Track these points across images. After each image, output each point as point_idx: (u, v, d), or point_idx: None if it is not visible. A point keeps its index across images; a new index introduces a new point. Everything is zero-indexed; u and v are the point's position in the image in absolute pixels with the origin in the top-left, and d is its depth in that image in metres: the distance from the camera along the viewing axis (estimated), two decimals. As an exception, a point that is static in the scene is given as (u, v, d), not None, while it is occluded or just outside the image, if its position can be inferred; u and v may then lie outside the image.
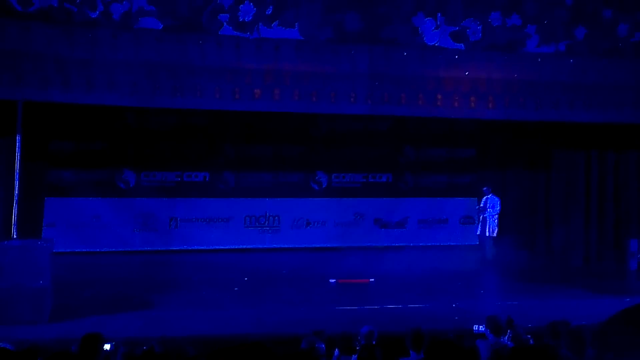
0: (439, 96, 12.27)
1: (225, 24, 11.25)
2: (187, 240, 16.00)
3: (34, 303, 9.14)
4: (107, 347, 5.84)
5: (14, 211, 11.33)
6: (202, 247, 15.91)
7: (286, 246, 16.41)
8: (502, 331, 6.95)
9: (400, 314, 10.14)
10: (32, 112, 12.20)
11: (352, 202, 17.02)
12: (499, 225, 15.04)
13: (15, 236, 11.26)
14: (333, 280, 12.60)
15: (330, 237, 16.68)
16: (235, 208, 16.44)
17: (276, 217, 16.74)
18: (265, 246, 16.42)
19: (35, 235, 12.83)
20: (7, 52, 10.44)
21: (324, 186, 17.11)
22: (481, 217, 15.29)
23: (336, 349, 6.75)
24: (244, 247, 16.21)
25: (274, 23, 11.40)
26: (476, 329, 7.16)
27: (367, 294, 11.99)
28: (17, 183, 11.38)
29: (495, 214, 15.01)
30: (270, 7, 11.33)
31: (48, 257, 9.47)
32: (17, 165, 11.37)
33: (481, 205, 15.27)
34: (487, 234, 15.01)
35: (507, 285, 12.91)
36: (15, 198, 11.35)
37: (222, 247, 16.01)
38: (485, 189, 15.29)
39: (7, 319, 8.94)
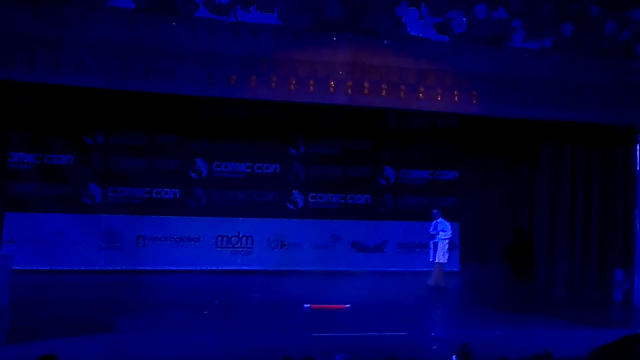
0: (422, 89, 12.21)
1: (201, 5, 11.19)
2: (154, 260, 15.91)
3: (-11, 323, 9.01)
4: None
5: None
6: (171, 268, 15.82)
7: (259, 268, 16.36)
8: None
9: (377, 342, 10.10)
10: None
11: (329, 224, 17.02)
12: (450, 251, 14.96)
13: (-29, 252, 11.11)
14: (307, 306, 12.54)
15: (305, 260, 16.64)
16: (206, 227, 16.39)
17: (249, 238, 16.68)
18: (236, 268, 16.37)
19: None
20: None
21: (300, 206, 17.09)
22: (431, 243, 14.97)
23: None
24: (215, 268, 16.15)
25: (252, 7, 11.36)
26: (455, 359, 7.14)
27: (343, 320, 11.94)
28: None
29: (447, 239, 14.82)
30: (249, -11, 11.37)
31: (6, 275, 9.33)
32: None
33: (430, 230, 14.96)
34: (437, 260, 14.76)
35: (490, 314, 12.89)
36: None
37: (192, 268, 15.94)
38: (435, 211, 15.14)
39: (-40, 340, 8.82)
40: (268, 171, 16.88)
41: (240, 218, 16.58)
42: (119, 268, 15.60)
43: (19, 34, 10.51)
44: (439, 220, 14.90)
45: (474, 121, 16.45)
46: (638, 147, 13.91)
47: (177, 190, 16.38)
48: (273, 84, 11.65)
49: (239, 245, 16.59)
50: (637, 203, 13.74)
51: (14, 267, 9.74)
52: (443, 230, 14.79)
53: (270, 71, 11.60)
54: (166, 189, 16.29)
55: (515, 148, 16.42)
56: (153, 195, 16.25)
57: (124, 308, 11.76)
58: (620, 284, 14.21)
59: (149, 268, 15.67)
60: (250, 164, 16.71)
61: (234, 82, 11.46)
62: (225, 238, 16.51)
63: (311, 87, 11.81)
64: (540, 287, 15.23)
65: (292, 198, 17.03)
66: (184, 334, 10.30)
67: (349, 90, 11.94)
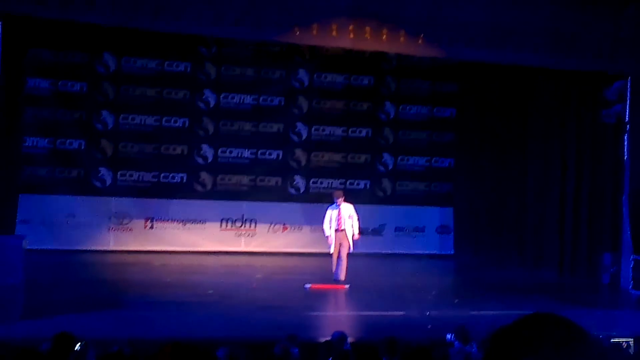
0: (421, 35, 12.08)
1: None
2: (162, 241, 15.91)
3: (5, 300, 8.99)
4: (76, 347, 5.74)
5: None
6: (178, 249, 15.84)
7: (263, 250, 16.35)
8: (469, 340, 6.95)
9: (376, 322, 10.08)
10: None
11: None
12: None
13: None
14: (307, 286, 12.49)
15: (307, 242, 16.63)
16: (211, 210, 16.38)
17: (253, 220, 16.68)
18: (241, 249, 16.38)
19: (8, 232, 12.66)
20: None
21: (302, 191, 17.06)
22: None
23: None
24: (220, 249, 16.16)
25: None
26: (449, 337, 7.14)
27: (343, 300, 11.92)
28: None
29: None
30: None
31: (20, 254, 9.31)
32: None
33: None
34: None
35: (482, 295, 12.80)
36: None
37: (198, 249, 15.96)
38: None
39: (-24, 316, 8.80)
40: (271, 157, 16.86)
41: (245, 201, 16.65)
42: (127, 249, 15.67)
43: None
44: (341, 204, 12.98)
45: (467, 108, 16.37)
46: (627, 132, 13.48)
47: (184, 174, 16.40)
48: (277, 26, 11.49)
49: (243, 227, 16.63)
50: (624, 189, 13.59)
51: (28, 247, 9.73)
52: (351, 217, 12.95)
53: (274, 13, 11.42)
54: (173, 174, 16.32)
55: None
56: (161, 179, 16.26)
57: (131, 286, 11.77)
58: (607, 268, 14.15)
59: (156, 249, 15.71)
60: (255, 150, 16.72)
61: (239, 22, 11.25)
62: (229, 220, 16.57)
63: (314, 31, 11.60)
64: (529, 270, 15.21)
65: (294, 183, 17.03)
66: (189, 312, 10.27)
67: (351, 34, 11.77)
